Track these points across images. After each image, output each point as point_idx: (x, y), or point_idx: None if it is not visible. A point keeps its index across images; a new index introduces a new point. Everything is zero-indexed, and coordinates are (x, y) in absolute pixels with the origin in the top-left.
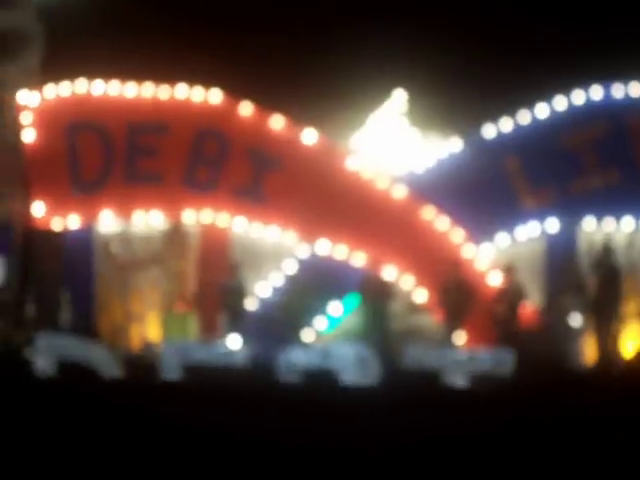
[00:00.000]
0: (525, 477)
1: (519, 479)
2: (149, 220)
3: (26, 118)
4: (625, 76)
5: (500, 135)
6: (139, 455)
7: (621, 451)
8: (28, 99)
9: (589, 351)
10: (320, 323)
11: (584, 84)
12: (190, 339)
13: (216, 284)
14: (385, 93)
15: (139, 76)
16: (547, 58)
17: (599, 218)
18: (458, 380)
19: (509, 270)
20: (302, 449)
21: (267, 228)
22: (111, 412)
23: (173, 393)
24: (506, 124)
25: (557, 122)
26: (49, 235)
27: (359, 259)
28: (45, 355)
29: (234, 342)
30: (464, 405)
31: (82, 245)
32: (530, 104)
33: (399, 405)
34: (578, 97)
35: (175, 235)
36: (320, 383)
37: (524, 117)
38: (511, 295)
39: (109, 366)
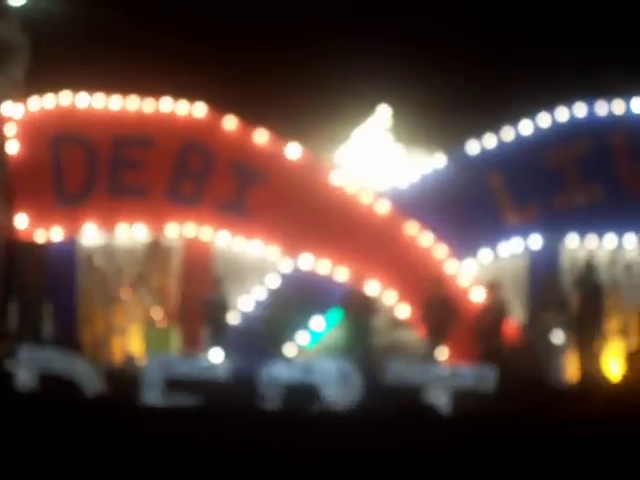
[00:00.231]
0: None
1: None
2: (132, 233)
3: (10, 130)
4: (608, 93)
5: (484, 151)
6: (117, 472)
7: (602, 468)
8: (12, 111)
9: (571, 368)
10: (302, 338)
11: (568, 101)
12: (172, 353)
13: (199, 298)
14: (369, 108)
15: (124, 89)
16: (531, 76)
17: (582, 235)
18: (440, 396)
19: (493, 286)
20: (284, 467)
21: (250, 242)
22: (92, 428)
23: (154, 412)
24: (490, 141)
25: (541, 139)
26: (32, 247)
27: (342, 274)
28: (27, 368)
29: (216, 356)
30: (446, 424)
31: (65, 257)
32: (514, 121)
33: (380, 424)
34: (562, 114)
35: (156, 249)
36: (302, 398)
37: (508, 134)
38: (495, 311)
39: (91, 380)
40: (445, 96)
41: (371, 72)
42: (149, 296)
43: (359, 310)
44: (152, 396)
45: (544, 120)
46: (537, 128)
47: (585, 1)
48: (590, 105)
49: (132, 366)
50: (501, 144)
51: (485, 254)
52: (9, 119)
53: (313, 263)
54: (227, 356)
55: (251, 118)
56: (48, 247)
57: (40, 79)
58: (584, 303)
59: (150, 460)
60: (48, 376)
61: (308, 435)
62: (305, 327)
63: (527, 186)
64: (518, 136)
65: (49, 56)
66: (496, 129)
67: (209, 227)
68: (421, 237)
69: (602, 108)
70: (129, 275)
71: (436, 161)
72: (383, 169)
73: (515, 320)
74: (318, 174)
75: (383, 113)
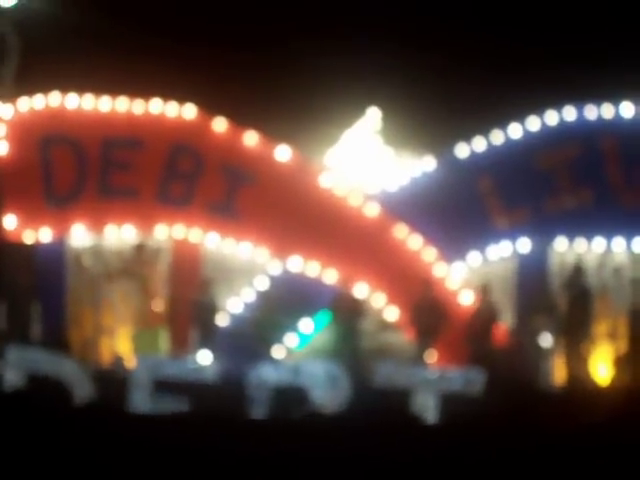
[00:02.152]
0: None
1: None
2: (121, 234)
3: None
4: (598, 98)
5: (473, 155)
6: (103, 475)
7: (589, 471)
8: (1, 111)
9: (559, 371)
10: (291, 340)
11: (557, 105)
12: (161, 354)
13: (188, 300)
14: (359, 111)
15: (113, 90)
16: (521, 79)
17: (571, 238)
18: (428, 399)
19: (484, 290)
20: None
21: (239, 244)
22: (79, 430)
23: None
24: (479, 144)
25: (530, 142)
26: (21, 248)
27: (331, 276)
28: (15, 368)
29: (205, 358)
30: (432, 428)
31: (54, 258)
32: (503, 124)
33: (367, 428)
34: (551, 118)
35: (142, 251)
36: (290, 401)
37: (497, 137)
38: (485, 314)
39: (79, 381)
40: (435, 99)
41: (361, 75)
42: (138, 297)
43: (348, 312)
44: (140, 397)
45: (534, 124)
46: (526, 132)
47: (574, 5)
48: (580, 109)
49: (120, 367)
50: (490, 147)
51: (474, 257)
52: None
53: (302, 265)
54: (216, 358)
55: (241, 120)
56: (37, 248)
57: (30, 80)
58: (572, 306)
59: (134, 464)
60: (36, 377)
61: (295, 440)
62: (294, 329)
63: (516, 189)
64: (508, 140)
65: (39, 57)
66: (486, 132)
67: (198, 229)
68: (410, 240)
69: (591, 112)
70: (117, 275)
71: (425, 164)
72: (372, 172)
73: (504, 323)
74: (308, 176)
75: (373, 116)
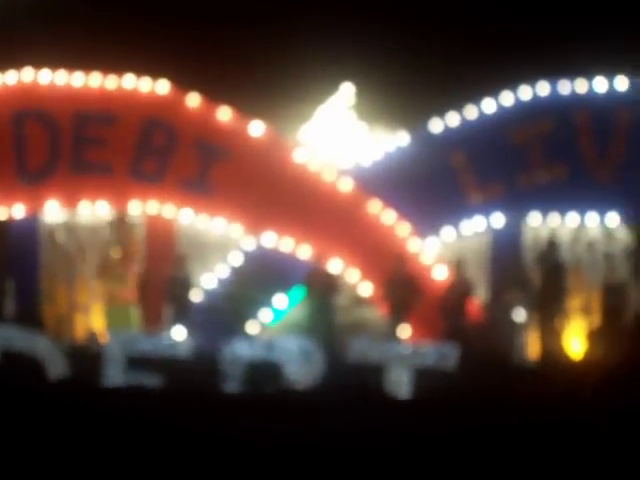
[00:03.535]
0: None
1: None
2: (95, 210)
3: None
4: (571, 72)
5: (447, 130)
6: (78, 453)
7: (562, 447)
8: None
9: (533, 346)
10: (265, 315)
11: (531, 80)
12: (133, 330)
13: (162, 275)
14: (333, 86)
15: (86, 66)
16: (494, 53)
17: (544, 213)
18: (402, 374)
19: (457, 265)
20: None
21: (213, 220)
22: (53, 407)
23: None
24: (453, 119)
25: (504, 117)
26: None
27: (305, 252)
28: None
29: (179, 334)
30: (405, 403)
31: (27, 234)
32: (477, 99)
33: (341, 404)
34: (525, 93)
35: (121, 225)
36: (264, 376)
37: (471, 112)
38: (459, 289)
39: (53, 358)
40: (408, 74)
41: (334, 50)
42: (112, 273)
43: (322, 288)
44: (114, 373)
45: (507, 99)
46: (500, 107)
47: None
48: (553, 84)
49: (94, 343)
50: (464, 122)
51: (448, 232)
52: None
53: (276, 241)
54: (190, 334)
55: (214, 95)
56: (10, 224)
57: (2, 56)
58: (546, 281)
59: (109, 439)
60: (10, 353)
61: (268, 416)
62: (268, 305)
63: (490, 164)
64: (481, 115)
65: (11, 33)
66: (459, 107)
67: (172, 205)
68: (384, 215)
69: (565, 87)
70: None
71: (399, 139)
72: (346, 147)
73: (478, 298)
74: (281, 152)
75: (346, 91)
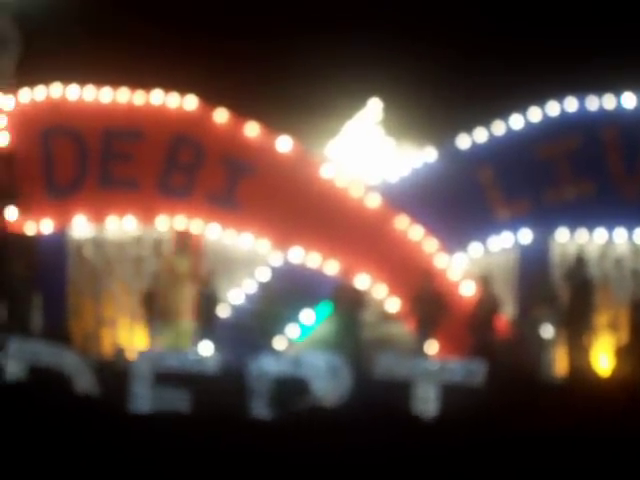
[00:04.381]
0: None
1: None
2: (123, 225)
3: (1, 121)
4: (599, 88)
5: (474, 145)
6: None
7: (590, 462)
8: (3, 103)
9: (561, 363)
10: (292, 331)
11: (559, 96)
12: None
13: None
14: (360, 102)
15: (114, 81)
16: (523, 70)
17: (572, 229)
18: (429, 390)
19: (485, 281)
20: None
21: (240, 235)
22: (80, 423)
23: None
24: (480, 135)
25: (531, 133)
26: (22, 239)
27: (332, 267)
28: (16, 360)
29: (206, 349)
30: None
31: (55, 249)
32: (505, 115)
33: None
34: (553, 109)
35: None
36: (291, 392)
37: (498, 128)
38: (487, 305)
39: (80, 373)
40: (436, 90)
41: (362, 65)
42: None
43: (349, 303)
44: (141, 390)
45: (535, 114)
46: (528, 122)
47: None
48: (581, 100)
49: (122, 359)
50: (492, 138)
51: (475, 248)
52: (0, 111)
53: (303, 256)
54: (217, 349)
55: (242, 111)
56: (38, 239)
57: (31, 71)
58: (574, 297)
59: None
60: (37, 368)
61: (296, 435)
62: (295, 320)
63: (517, 180)
64: (509, 130)
65: (40, 48)
66: (487, 123)
67: (199, 220)
68: (411, 231)
69: (593, 103)
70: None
71: (426, 155)
72: (374, 163)
73: (505, 314)
74: (309, 167)
75: (374, 107)
